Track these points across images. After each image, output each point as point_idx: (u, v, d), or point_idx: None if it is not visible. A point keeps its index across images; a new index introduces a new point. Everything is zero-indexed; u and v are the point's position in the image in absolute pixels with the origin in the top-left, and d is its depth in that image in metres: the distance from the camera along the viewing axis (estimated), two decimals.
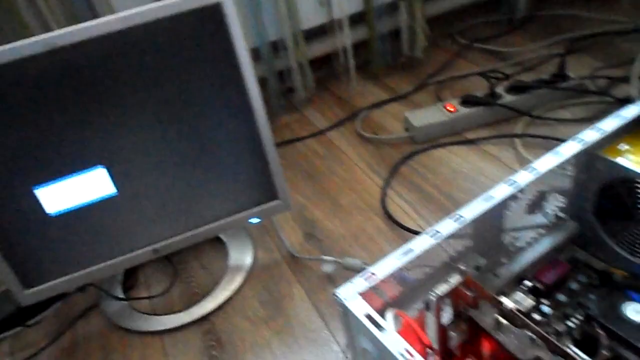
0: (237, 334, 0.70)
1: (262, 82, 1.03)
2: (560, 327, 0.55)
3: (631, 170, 0.52)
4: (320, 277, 0.76)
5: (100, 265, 0.69)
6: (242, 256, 0.81)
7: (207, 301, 0.74)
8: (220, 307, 0.74)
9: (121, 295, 0.78)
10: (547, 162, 0.51)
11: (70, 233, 0.65)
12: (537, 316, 0.56)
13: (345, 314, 0.43)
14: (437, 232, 0.47)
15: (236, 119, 0.66)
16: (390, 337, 0.38)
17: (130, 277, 0.82)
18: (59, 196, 0.62)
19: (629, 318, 0.51)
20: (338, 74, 1.28)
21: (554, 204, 0.59)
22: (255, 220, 0.74)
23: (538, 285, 0.59)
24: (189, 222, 0.71)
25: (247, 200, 0.73)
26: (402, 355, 0.37)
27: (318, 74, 1.26)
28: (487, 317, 0.46)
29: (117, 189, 0.64)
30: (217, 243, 0.85)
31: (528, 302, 0.59)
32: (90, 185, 0.62)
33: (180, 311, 0.74)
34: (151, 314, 0.74)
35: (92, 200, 0.64)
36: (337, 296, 0.43)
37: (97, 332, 0.74)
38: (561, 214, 0.60)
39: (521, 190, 0.51)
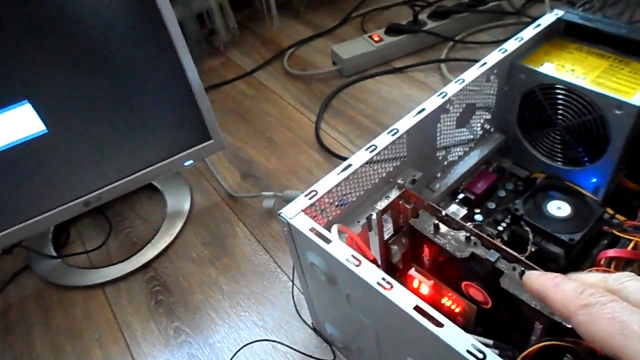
0: (182, 277, 0.69)
1: (181, 27, 0.97)
2: (492, 232, 0.59)
3: (549, 76, 0.55)
4: (261, 214, 0.75)
5: (27, 222, 0.64)
6: (179, 202, 0.79)
7: (148, 249, 0.72)
8: (162, 254, 0.72)
9: (54, 254, 0.74)
10: (473, 72, 0.53)
11: None
12: (470, 225, 0.59)
13: (291, 232, 0.43)
14: (374, 146, 0.47)
15: (159, 60, 0.63)
16: (336, 246, 0.39)
17: (61, 235, 0.77)
18: None
19: (551, 213, 0.55)
20: (260, 13, 1.23)
21: (481, 118, 0.61)
22: (189, 162, 0.72)
23: (470, 195, 0.63)
24: (120, 170, 0.68)
25: (180, 143, 0.71)
26: (349, 261, 0.38)
27: (239, 15, 1.21)
28: (426, 225, 0.48)
29: (47, 126, 0.59)
30: (152, 193, 0.82)
31: (462, 212, 0.62)
32: (17, 124, 0.58)
33: (120, 262, 0.71)
34: (89, 268, 0.72)
35: (21, 139, 0.59)
36: (281, 216, 0.43)
37: (32, 293, 0.70)
38: (487, 126, 0.63)
39: (451, 102, 0.52)
